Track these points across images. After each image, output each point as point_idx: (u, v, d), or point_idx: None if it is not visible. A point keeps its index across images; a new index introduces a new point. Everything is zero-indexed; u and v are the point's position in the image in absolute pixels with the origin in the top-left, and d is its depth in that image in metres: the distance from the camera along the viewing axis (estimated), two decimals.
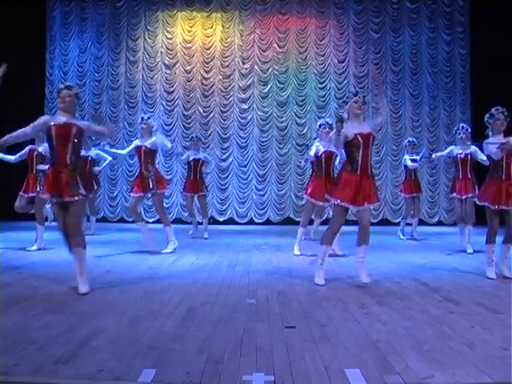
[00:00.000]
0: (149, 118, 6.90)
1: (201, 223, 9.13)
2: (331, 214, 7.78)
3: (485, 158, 5.78)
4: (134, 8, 12.64)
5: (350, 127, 4.49)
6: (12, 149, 6.06)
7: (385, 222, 12.13)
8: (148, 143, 6.66)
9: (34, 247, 6.64)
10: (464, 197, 7.01)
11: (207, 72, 12.61)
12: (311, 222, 8.29)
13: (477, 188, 6.70)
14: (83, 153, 8.91)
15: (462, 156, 7.04)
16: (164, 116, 12.59)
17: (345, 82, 12.60)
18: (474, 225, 7.06)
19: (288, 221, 12.21)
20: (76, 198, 4.08)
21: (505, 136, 4.94)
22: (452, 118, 12.54)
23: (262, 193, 12.45)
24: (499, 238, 5.02)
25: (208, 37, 12.66)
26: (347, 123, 4.53)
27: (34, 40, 11.77)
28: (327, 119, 6.93)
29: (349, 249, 6.59)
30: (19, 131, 4.19)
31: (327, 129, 6.50)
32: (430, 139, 12.55)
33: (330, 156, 6.53)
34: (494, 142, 4.88)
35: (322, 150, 6.53)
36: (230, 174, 12.50)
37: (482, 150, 5.81)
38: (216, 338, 2.90)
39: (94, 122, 4.46)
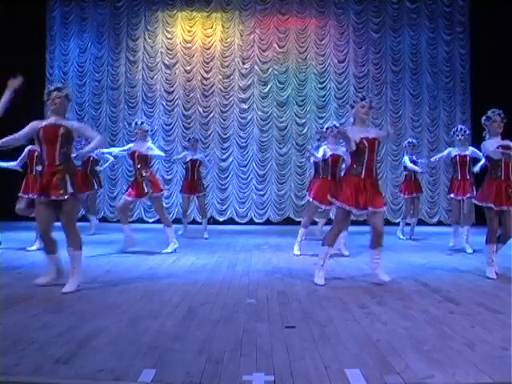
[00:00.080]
0: (142, 122, 6.85)
1: (200, 223, 9.12)
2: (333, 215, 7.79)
3: (481, 154, 5.83)
4: (134, 8, 12.64)
5: (355, 131, 4.48)
6: (8, 155, 6.10)
7: (385, 221, 12.07)
8: (142, 149, 6.63)
9: (34, 247, 6.64)
10: (462, 198, 7.04)
11: (207, 72, 12.61)
12: (315, 222, 8.31)
13: (474, 189, 6.73)
14: None
15: (460, 157, 7.07)
16: (164, 116, 12.59)
17: (345, 81, 12.60)
18: (473, 225, 7.08)
19: (288, 221, 12.21)
20: (64, 197, 4.07)
21: (502, 138, 4.97)
22: (452, 118, 12.55)
23: (262, 193, 12.45)
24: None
25: (208, 37, 12.66)
26: (352, 127, 4.53)
27: (34, 40, 11.76)
28: (334, 122, 6.88)
29: (353, 249, 6.62)
30: (9, 137, 4.22)
31: (334, 132, 6.46)
32: (430, 139, 12.56)
33: (337, 159, 6.48)
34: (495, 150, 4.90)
35: (329, 152, 6.48)
36: (229, 174, 12.50)
37: (479, 151, 5.86)
38: (216, 338, 2.90)
39: None
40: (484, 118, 5.09)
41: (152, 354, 2.61)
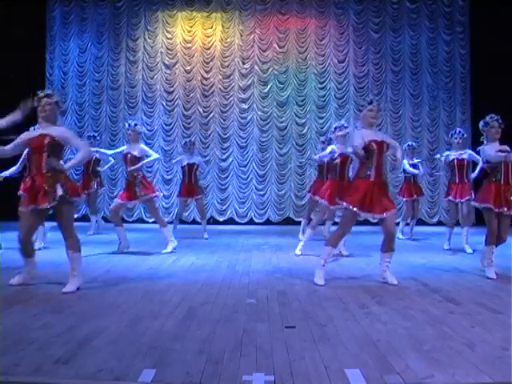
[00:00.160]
0: (136, 124, 6.78)
1: (199, 223, 9.10)
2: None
3: (479, 158, 5.89)
4: (134, 8, 12.65)
5: (364, 134, 4.47)
6: (9, 162, 6.11)
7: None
8: (135, 151, 6.58)
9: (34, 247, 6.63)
10: (460, 200, 7.04)
11: (207, 72, 12.61)
12: (322, 223, 8.32)
13: (472, 192, 6.75)
14: None
15: (458, 161, 7.08)
16: (164, 116, 12.59)
17: (345, 81, 12.60)
18: (473, 225, 7.09)
19: (288, 221, 12.22)
20: (53, 205, 4.07)
21: (500, 143, 4.99)
22: (452, 118, 12.55)
23: (262, 193, 12.45)
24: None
25: (208, 37, 12.66)
26: (361, 130, 4.53)
27: (34, 40, 11.77)
28: (342, 121, 6.84)
29: (353, 249, 6.62)
30: None
31: (343, 131, 6.44)
32: (430, 139, 12.56)
33: (345, 159, 6.41)
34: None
35: (337, 152, 6.44)
36: (230, 174, 12.50)
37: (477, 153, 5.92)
38: (216, 338, 2.90)
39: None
40: (482, 123, 5.10)
41: (152, 354, 2.61)
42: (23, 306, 3.65)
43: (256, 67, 12.56)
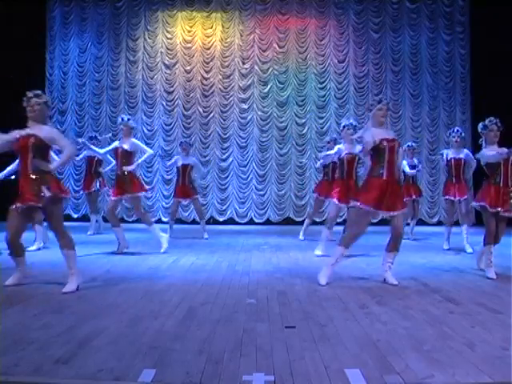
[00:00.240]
0: (129, 119, 6.73)
1: (199, 223, 9.10)
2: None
3: (474, 161, 6.08)
4: (134, 8, 12.65)
5: (374, 133, 4.47)
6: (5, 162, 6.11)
7: (384, 221, 12.09)
8: (126, 145, 6.52)
9: (34, 247, 6.63)
10: (458, 199, 7.07)
11: (207, 72, 12.62)
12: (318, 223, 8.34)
13: (468, 191, 6.82)
14: (90, 153, 8.90)
15: (455, 160, 7.10)
16: (164, 116, 12.59)
17: (345, 81, 12.60)
18: (473, 225, 7.11)
19: (288, 221, 12.23)
20: (39, 205, 4.08)
21: (499, 146, 5.00)
22: (452, 118, 12.55)
23: (262, 193, 12.45)
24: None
25: (208, 37, 12.66)
26: (371, 130, 4.52)
27: (34, 40, 11.78)
28: (351, 120, 6.83)
29: (353, 249, 6.60)
30: None
31: (351, 130, 6.40)
32: (430, 139, 12.56)
33: (352, 158, 6.40)
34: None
35: (344, 151, 6.42)
36: (230, 174, 12.50)
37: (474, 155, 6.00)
38: (216, 338, 2.90)
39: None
40: (481, 126, 5.11)
41: (152, 354, 2.60)
42: (23, 306, 3.65)
43: (256, 67, 12.56)
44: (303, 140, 12.51)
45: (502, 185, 4.97)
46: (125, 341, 2.83)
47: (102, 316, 3.38)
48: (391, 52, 12.60)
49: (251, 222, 12.31)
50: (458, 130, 7.20)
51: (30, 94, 4.19)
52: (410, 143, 9.26)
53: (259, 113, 12.52)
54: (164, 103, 12.59)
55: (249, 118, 12.51)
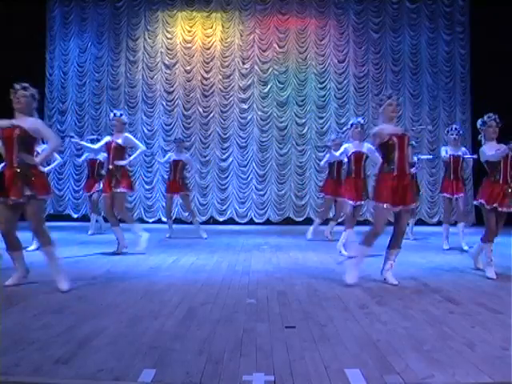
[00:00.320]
0: (121, 114, 6.67)
1: (191, 223, 9.05)
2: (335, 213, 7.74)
3: (471, 159, 6.12)
4: (134, 8, 12.65)
5: (384, 129, 4.47)
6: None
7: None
8: (119, 140, 6.44)
9: (33, 247, 6.62)
10: (455, 196, 7.10)
11: (207, 72, 12.61)
12: (326, 222, 8.33)
13: (465, 188, 6.85)
14: (91, 156, 8.88)
15: (454, 158, 7.12)
16: (164, 116, 12.60)
17: (345, 81, 12.60)
18: (473, 225, 7.12)
19: (288, 221, 12.23)
20: (20, 201, 4.06)
21: (498, 143, 5.00)
22: (452, 118, 12.55)
23: (261, 193, 12.45)
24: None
25: (208, 37, 12.66)
26: (382, 125, 4.51)
27: (34, 40, 11.77)
28: (359, 119, 6.82)
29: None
30: None
31: (359, 128, 6.40)
32: (430, 139, 12.57)
33: (360, 157, 6.40)
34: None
35: (351, 150, 6.42)
36: (229, 174, 12.50)
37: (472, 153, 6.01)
38: (216, 338, 2.90)
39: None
40: (480, 122, 5.13)
41: (152, 354, 2.60)
42: (23, 306, 3.65)
43: (256, 67, 12.56)
44: (303, 140, 12.50)
45: (501, 182, 4.98)
46: (125, 341, 2.83)
47: (102, 316, 3.38)
48: (391, 52, 12.60)
49: (251, 222, 12.31)
50: (455, 128, 7.23)
51: (17, 87, 4.19)
52: (410, 142, 9.26)
53: (259, 113, 12.52)
54: (164, 103, 12.59)
55: (249, 117, 12.52)
